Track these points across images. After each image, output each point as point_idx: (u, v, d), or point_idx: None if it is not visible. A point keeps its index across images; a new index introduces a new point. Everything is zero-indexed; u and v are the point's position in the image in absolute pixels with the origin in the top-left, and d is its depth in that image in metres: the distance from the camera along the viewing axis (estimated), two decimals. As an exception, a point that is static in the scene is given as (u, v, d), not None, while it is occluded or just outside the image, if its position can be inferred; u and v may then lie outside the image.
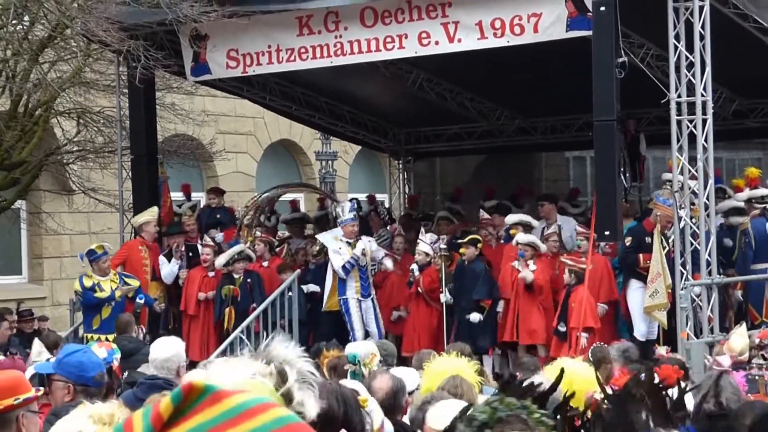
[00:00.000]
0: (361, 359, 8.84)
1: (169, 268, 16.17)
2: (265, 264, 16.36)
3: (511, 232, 15.43)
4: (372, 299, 15.37)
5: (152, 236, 15.98)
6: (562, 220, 16.30)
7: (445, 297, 14.97)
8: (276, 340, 2.91)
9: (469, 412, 2.90)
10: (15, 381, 4.98)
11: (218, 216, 18.27)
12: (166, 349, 7.49)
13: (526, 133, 20.07)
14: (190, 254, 16.48)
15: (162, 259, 16.20)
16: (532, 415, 2.88)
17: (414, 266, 15.38)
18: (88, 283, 14.68)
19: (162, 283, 16.25)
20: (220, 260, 15.82)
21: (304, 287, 15.93)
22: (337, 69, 15.48)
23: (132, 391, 7.23)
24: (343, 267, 15.32)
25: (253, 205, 17.78)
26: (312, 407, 2.79)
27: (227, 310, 15.56)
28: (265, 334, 14.87)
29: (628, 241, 14.20)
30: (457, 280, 15.04)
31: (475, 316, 14.72)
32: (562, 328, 14.21)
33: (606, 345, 11.50)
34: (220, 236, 17.15)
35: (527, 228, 15.34)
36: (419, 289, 15.31)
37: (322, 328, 15.43)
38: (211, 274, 15.95)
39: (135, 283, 15.03)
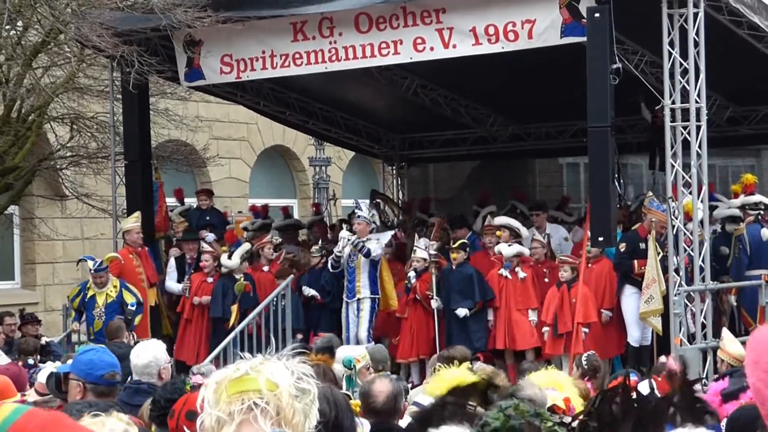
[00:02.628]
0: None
1: (172, 285, 16.24)
2: (266, 269, 16.31)
3: (497, 233, 15.41)
4: (359, 302, 15.27)
5: (137, 243, 15.89)
6: (552, 228, 16.38)
7: (437, 303, 14.97)
8: (296, 352, 2.96)
9: (483, 418, 2.88)
10: (1, 387, 4.96)
11: (208, 218, 18.19)
12: (145, 355, 7.48)
13: (519, 140, 20.07)
14: (200, 260, 16.44)
15: (171, 264, 16.22)
16: (545, 423, 2.85)
17: (411, 273, 15.33)
18: (89, 293, 14.92)
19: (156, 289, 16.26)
20: (236, 261, 15.78)
21: (305, 290, 15.91)
22: (331, 75, 15.46)
23: (118, 395, 7.26)
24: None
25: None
26: (314, 422, 2.86)
27: (234, 306, 15.47)
28: (259, 339, 14.88)
29: (622, 247, 14.22)
30: (447, 284, 15.03)
31: (461, 311, 14.71)
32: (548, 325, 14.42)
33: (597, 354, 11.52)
34: (210, 237, 17.09)
35: (513, 233, 15.36)
36: (417, 296, 15.28)
37: (322, 329, 15.49)
38: (210, 279, 15.89)
39: (130, 299, 14.95)
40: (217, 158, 21.32)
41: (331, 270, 15.46)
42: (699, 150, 12.98)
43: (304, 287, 15.91)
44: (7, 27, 14.82)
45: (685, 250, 13.11)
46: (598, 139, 12.95)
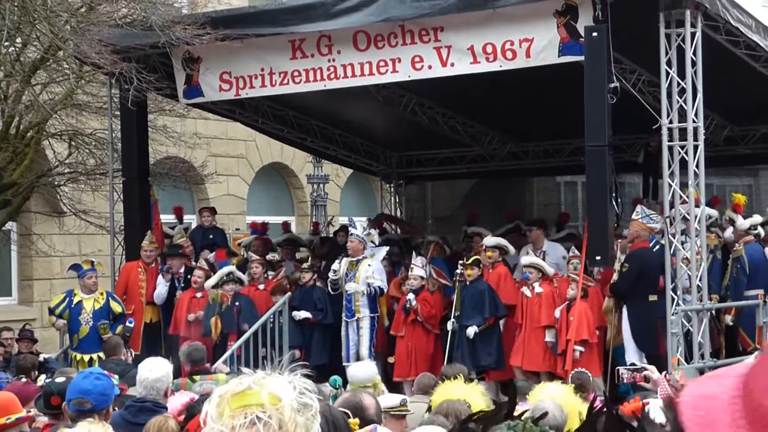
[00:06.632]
0: (360, 382, 8.89)
1: (158, 290, 16.14)
2: (261, 287, 16.28)
3: (488, 254, 15.35)
4: (358, 321, 15.24)
5: (149, 259, 16.12)
6: (549, 246, 16.28)
7: (452, 325, 14.76)
8: (297, 366, 2.98)
9: None
10: (7, 402, 4.99)
11: (211, 236, 18.19)
12: (156, 370, 7.33)
13: (517, 158, 20.10)
14: (189, 276, 16.38)
15: (159, 279, 16.20)
16: None
17: (411, 296, 15.20)
18: (75, 299, 14.91)
19: (157, 306, 16.23)
20: (210, 282, 15.75)
21: (295, 314, 15.84)
22: (329, 92, 15.49)
23: (120, 413, 7.10)
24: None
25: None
26: None
27: (213, 318, 15.33)
28: (255, 357, 14.85)
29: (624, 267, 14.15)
30: (462, 301, 14.86)
31: (470, 330, 14.58)
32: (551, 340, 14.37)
33: (587, 371, 11.51)
34: (212, 256, 17.07)
35: (503, 252, 15.37)
36: (418, 317, 15.18)
37: (316, 346, 15.45)
38: (199, 295, 15.84)
39: (117, 308, 14.97)
40: (215, 175, 21.33)
41: (331, 293, 15.46)
42: (696, 170, 13.00)
43: (294, 312, 15.85)
44: (6, 43, 14.86)
45: (683, 269, 13.13)
46: (596, 158, 12.97)
